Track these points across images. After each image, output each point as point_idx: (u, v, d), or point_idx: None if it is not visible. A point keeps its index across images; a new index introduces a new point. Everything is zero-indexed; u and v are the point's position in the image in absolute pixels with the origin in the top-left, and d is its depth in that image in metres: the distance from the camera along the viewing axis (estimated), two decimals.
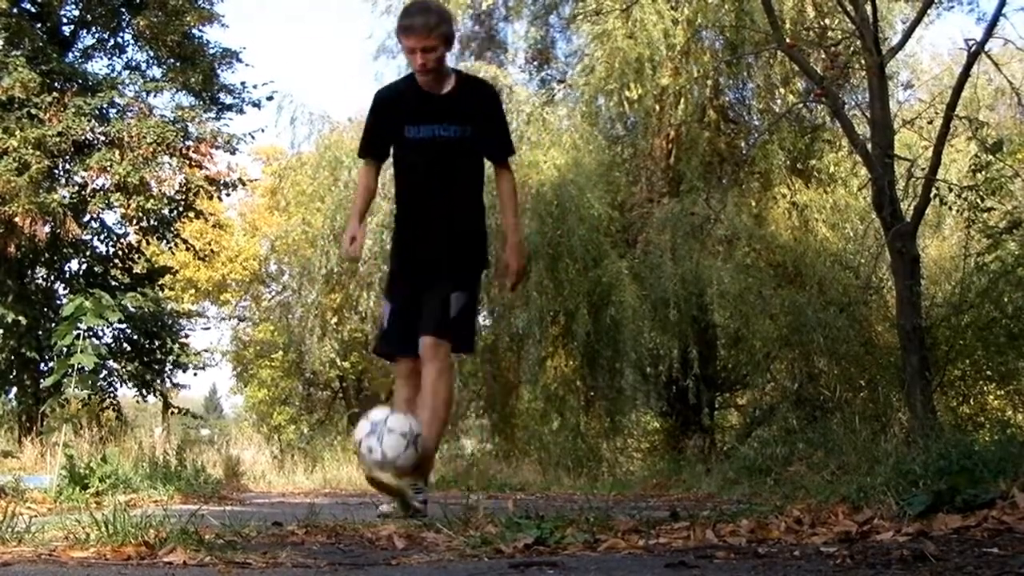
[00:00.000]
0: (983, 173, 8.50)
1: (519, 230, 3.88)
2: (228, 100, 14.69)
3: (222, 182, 15.15)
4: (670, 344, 11.49)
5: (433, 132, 3.68)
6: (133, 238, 14.81)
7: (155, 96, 14.36)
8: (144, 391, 15.08)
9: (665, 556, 2.15)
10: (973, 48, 7.91)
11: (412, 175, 3.79)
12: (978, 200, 8.49)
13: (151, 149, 13.01)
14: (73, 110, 12.79)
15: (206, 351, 23.14)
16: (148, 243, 14.94)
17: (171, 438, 11.15)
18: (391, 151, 3.86)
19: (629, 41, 11.93)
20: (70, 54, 14.42)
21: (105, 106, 13.48)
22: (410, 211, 3.80)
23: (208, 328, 28.73)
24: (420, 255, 3.74)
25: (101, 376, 13.29)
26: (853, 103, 10.74)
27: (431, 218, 3.72)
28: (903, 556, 1.93)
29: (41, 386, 12.34)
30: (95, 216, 14.16)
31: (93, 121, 13.03)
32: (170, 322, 16.19)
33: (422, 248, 3.74)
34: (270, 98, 14.64)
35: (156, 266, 15.48)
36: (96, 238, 14.58)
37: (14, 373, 13.94)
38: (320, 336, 15.64)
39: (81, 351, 6.22)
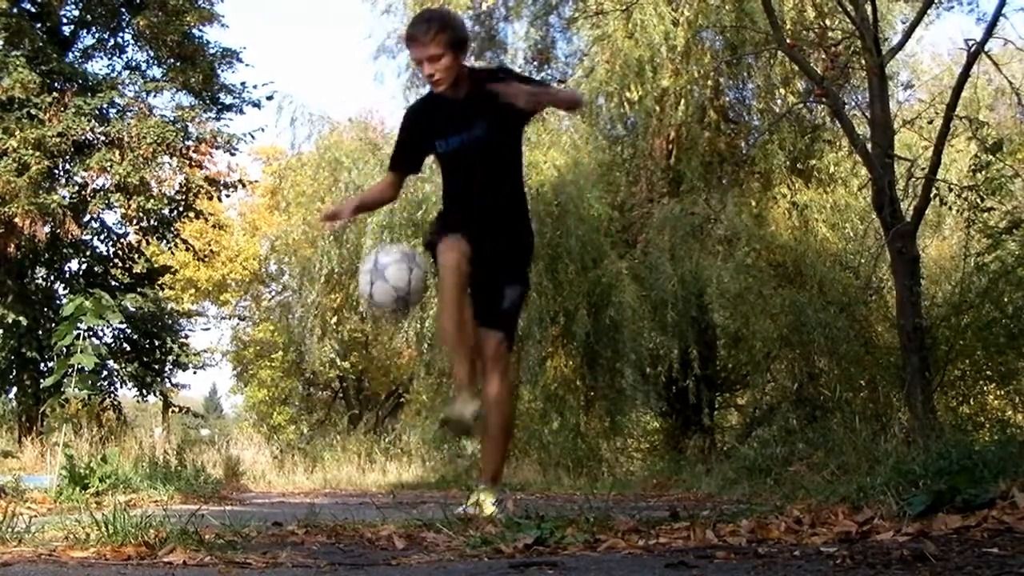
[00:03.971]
0: (983, 173, 8.50)
1: (541, 89, 3.81)
2: (228, 100, 14.71)
3: (222, 182, 15.18)
4: (670, 344, 11.48)
5: (461, 140, 3.66)
6: (133, 238, 14.82)
7: (155, 96, 14.40)
8: (144, 391, 15.10)
9: (665, 556, 2.15)
10: (973, 48, 7.92)
11: (456, 185, 3.82)
12: (978, 200, 8.49)
13: (151, 149, 13.02)
14: (73, 110, 12.80)
15: (206, 351, 23.23)
16: (148, 243, 14.96)
17: (171, 438, 11.18)
18: (433, 162, 3.89)
19: (629, 42, 11.93)
20: (70, 54, 14.44)
21: (105, 106, 13.49)
22: (460, 206, 3.79)
23: (208, 328, 28.80)
24: (477, 233, 3.68)
25: (101, 376, 13.32)
26: (853, 103, 10.74)
27: (481, 217, 3.69)
28: (903, 556, 1.93)
29: (41, 386, 12.35)
30: (95, 216, 14.19)
31: (93, 121, 13.04)
32: (170, 322, 16.23)
33: (478, 232, 3.68)
34: (270, 98, 14.67)
35: (156, 266, 15.50)
36: (96, 238, 14.61)
37: (14, 373, 13.96)
38: (320, 336, 15.65)
39: (81, 351, 6.22)
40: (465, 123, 3.65)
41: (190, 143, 14.03)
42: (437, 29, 3.52)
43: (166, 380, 16.26)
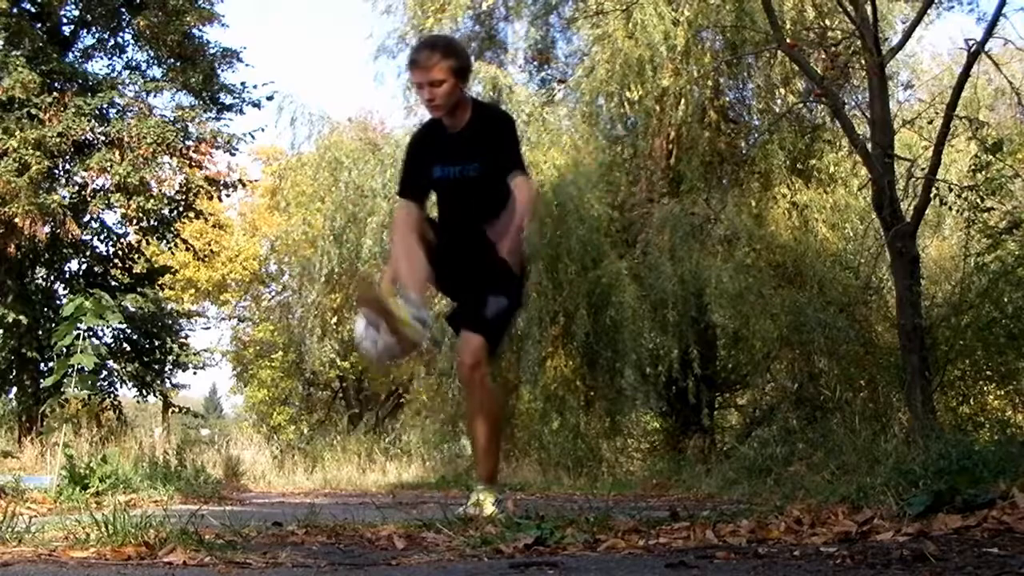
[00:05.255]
0: (983, 173, 8.50)
1: (515, 235, 3.52)
2: (228, 100, 14.71)
3: (222, 182, 15.18)
4: (670, 344, 11.48)
5: (456, 171, 3.69)
6: (133, 238, 14.83)
7: (155, 96, 14.40)
8: (144, 391, 15.11)
9: (665, 556, 2.15)
10: (973, 48, 7.91)
11: (446, 211, 3.87)
12: (978, 200, 8.49)
13: (151, 149, 13.02)
14: (73, 110, 12.80)
15: (206, 351, 23.20)
16: (148, 243, 14.96)
17: (171, 438, 11.18)
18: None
19: (630, 42, 11.93)
20: (70, 54, 14.44)
21: (105, 106, 13.50)
22: (448, 237, 3.82)
23: (208, 328, 28.82)
24: (459, 264, 3.77)
25: (101, 376, 13.32)
26: (853, 103, 10.73)
27: (465, 248, 3.74)
28: (903, 556, 1.93)
29: (41, 386, 12.35)
30: (95, 216, 14.19)
31: (93, 121, 13.05)
32: (170, 322, 16.22)
33: (460, 266, 3.78)
34: (270, 98, 14.66)
35: (156, 266, 15.50)
36: (96, 238, 14.62)
37: (14, 373, 13.97)
38: (320, 336, 15.64)
39: (81, 351, 6.22)
40: (462, 155, 3.69)
41: (190, 143, 14.04)
42: (441, 55, 3.57)
43: (166, 380, 16.28)
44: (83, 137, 13.13)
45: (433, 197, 3.94)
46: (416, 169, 3.86)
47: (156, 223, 14.28)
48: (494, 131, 3.74)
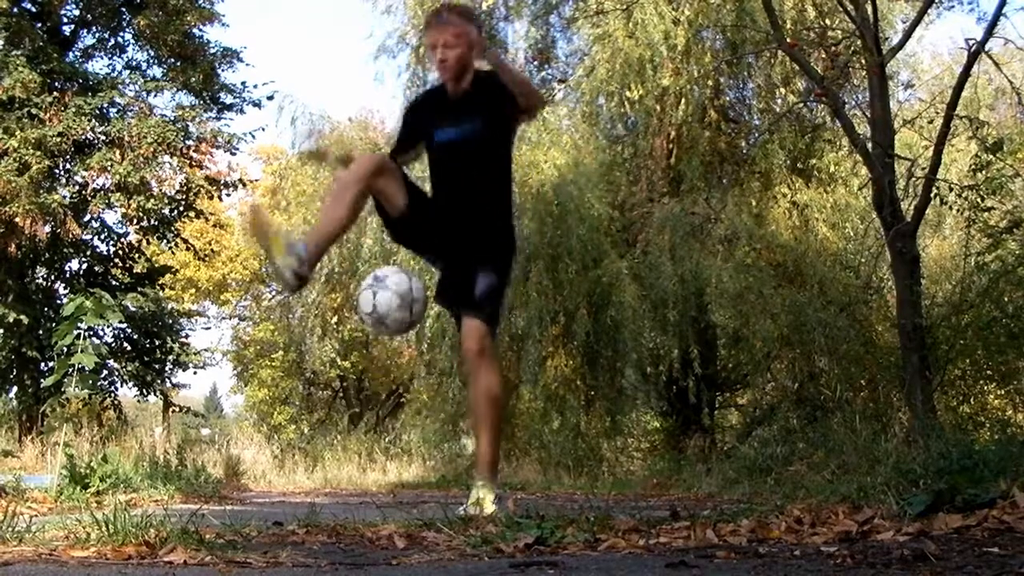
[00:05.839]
0: (983, 173, 8.50)
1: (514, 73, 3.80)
2: (228, 100, 14.73)
3: (222, 182, 15.18)
4: (670, 344, 11.48)
5: (453, 134, 3.73)
6: (133, 238, 14.84)
7: (155, 96, 14.41)
8: (144, 391, 15.11)
9: (665, 556, 2.15)
10: (973, 48, 7.91)
11: (441, 177, 3.87)
12: (978, 200, 8.49)
13: (151, 149, 13.03)
14: (73, 110, 12.80)
15: (206, 350, 23.21)
16: (148, 243, 14.97)
17: (171, 438, 11.17)
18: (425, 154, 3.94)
19: (630, 42, 11.92)
20: (70, 54, 14.45)
21: (105, 106, 13.50)
22: (442, 204, 3.83)
23: (208, 328, 28.82)
24: (449, 233, 3.78)
25: (102, 376, 13.32)
26: (853, 103, 10.73)
27: (457, 213, 3.74)
28: (903, 556, 1.93)
29: (41, 386, 12.36)
30: (95, 216, 14.20)
31: (93, 121, 13.05)
32: (170, 322, 16.24)
33: (451, 231, 3.77)
34: (270, 98, 14.68)
35: (156, 266, 15.50)
36: (96, 238, 14.63)
37: (14, 373, 13.98)
38: (320, 336, 15.66)
39: (81, 351, 6.20)
40: (459, 119, 3.74)
41: (190, 143, 14.05)
42: (459, 20, 3.71)
43: (166, 380, 16.28)
44: (83, 137, 13.14)
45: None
46: (413, 131, 3.90)
47: (156, 223, 14.29)
48: (494, 94, 3.74)
